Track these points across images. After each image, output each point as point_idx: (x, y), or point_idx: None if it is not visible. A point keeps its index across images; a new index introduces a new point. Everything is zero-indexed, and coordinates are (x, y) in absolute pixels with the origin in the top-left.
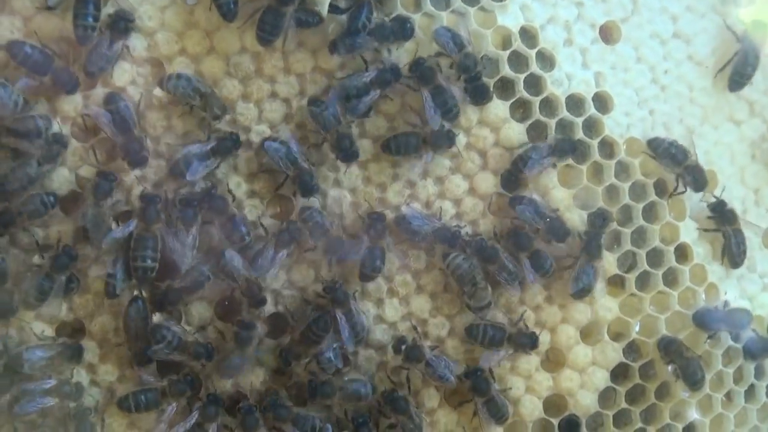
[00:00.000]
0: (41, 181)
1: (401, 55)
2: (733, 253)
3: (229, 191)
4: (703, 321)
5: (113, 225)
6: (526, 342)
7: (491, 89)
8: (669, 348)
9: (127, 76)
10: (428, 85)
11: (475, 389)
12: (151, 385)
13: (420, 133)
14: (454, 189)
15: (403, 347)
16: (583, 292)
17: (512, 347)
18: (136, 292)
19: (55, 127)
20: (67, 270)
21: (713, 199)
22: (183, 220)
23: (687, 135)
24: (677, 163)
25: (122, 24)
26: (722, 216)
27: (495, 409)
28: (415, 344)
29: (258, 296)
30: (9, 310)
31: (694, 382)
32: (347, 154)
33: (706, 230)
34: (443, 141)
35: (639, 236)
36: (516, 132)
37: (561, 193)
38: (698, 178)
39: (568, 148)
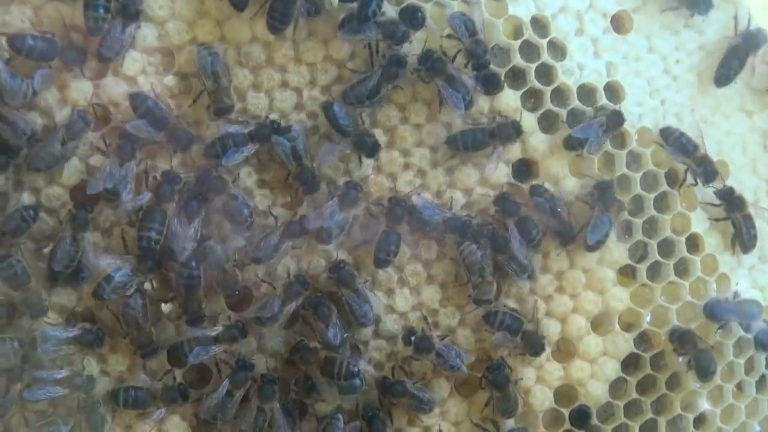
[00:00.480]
0: (66, 160)
1: (412, 45)
2: (743, 239)
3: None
4: (713, 312)
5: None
6: (536, 343)
7: (502, 78)
8: (683, 339)
9: (137, 65)
10: (440, 76)
11: (495, 384)
12: (145, 384)
13: (486, 127)
14: (464, 179)
15: (413, 338)
16: (600, 244)
17: (523, 343)
18: (135, 287)
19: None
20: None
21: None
22: (186, 212)
23: (696, 127)
24: (687, 154)
25: (132, 8)
26: (731, 203)
27: (507, 404)
28: (425, 335)
29: (232, 288)
30: (40, 310)
31: (706, 374)
32: (370, 150)
33: (716, 219)
34: (511, 132)
35: (650, 226)
36: (527, 121)
37: (572, 183)
38: (708, 170)
39: (619, 121)
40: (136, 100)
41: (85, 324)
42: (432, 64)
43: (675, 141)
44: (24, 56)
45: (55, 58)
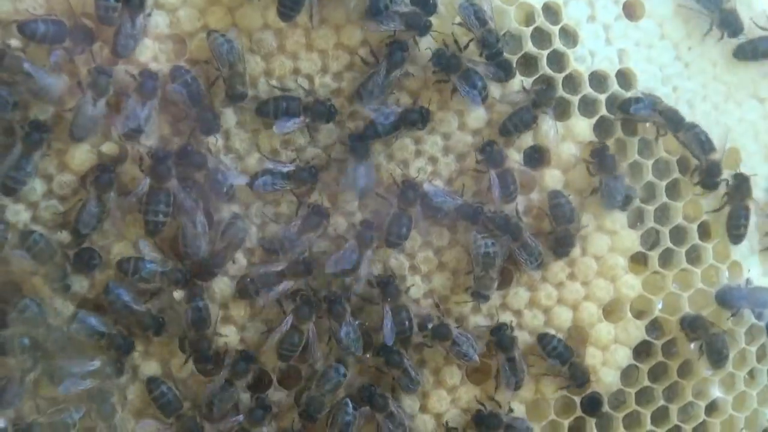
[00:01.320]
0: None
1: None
2: (731, 226)
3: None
4: (725, 299)
5: None
6: (581, 377)
7: (514, 65)
8: (694, 324)
9: (149, 52)
10: (456, 73)
11: (500, 345)
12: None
13: (529, 106)
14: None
15: (430, 325)
16: (628, 200)
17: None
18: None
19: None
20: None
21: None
22: (184, 211)
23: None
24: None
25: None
26: (738, 188)
27: (514, 370)
28: (442, 322)
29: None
30: (64, 286)
31: (719, 358)
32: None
33: (715, 210)
34: (551, 94)
35: (662, 213)
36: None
37: (584, 170)
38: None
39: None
40: (176, 72)
41: (103, 357)
42: (447, 63)
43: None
44: (37, 41)
45: (66, 39)
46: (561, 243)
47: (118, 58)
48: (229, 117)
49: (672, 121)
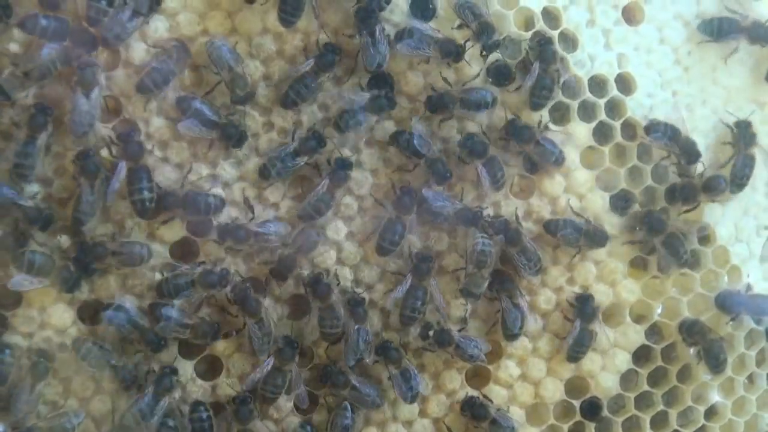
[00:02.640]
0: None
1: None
2: (737, 175)
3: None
4: (725, 304)
5: None
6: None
7: (513, 70)
8: (692, 329)
9: (148, 57)
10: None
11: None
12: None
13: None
14: (475, 170)
15: (431, 332)
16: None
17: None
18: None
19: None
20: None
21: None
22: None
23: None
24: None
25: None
26: (743, 135)
27: (513, 315)
28: (443, 328)
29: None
30: (73, 285)
31: (716, 364)
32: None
33: (722, 166)
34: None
35: None
36: (537, 113)
37: (583, 175)
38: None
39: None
40: (183, 103)
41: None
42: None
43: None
44: (38, 36)
45: (67, 37)
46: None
47: (103, 44)
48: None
49: (687, 153)
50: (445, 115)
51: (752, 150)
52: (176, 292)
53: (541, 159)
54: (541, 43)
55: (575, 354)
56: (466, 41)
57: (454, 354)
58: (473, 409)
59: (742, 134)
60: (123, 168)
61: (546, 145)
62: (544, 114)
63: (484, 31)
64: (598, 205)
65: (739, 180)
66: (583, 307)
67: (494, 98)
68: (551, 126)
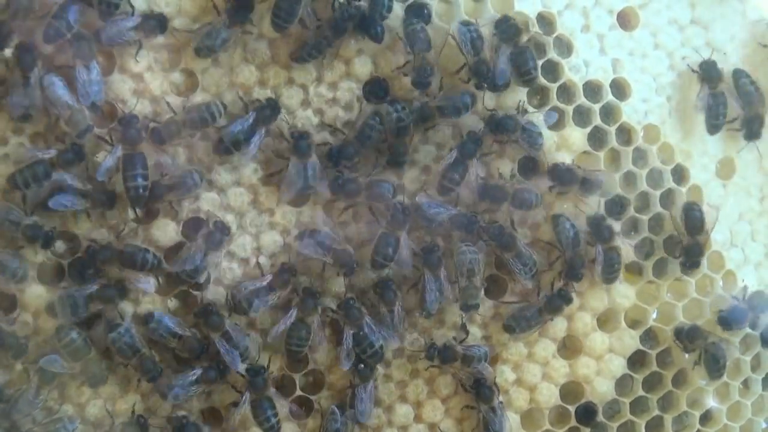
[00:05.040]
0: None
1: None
2: (710, 116)
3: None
4: (731, 321)
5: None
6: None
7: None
8: (691, 335)
9: (144, 62)
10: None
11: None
12: None
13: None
14: (469, 175)
15: (436, 352)
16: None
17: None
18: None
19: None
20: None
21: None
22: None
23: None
24: None
25: (152, 23)
26: (708, 74)
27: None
28: (445, 345)
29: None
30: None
31: (717, 368)
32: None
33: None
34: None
35: (656, 223)
36: (533, 118)
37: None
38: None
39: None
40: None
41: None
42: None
43: None
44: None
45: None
46: (572, 267)
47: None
48: None
49: None
50: (428, 125)
51: (720, 87)
52: None
53: (530, 145)
54: (498, 26)
55: (610, 276)
56: (461, 67)
57: (461, 367)
58: (441, 354)
59: (707, 74)
60: (119, 149)
61: (530, 128)
62: (521, 97)
63: (478, 74)
64: (593, 209)
65: (714, 120)
66: (599, 229)
67: (473, 99)
68: (529, 108)
